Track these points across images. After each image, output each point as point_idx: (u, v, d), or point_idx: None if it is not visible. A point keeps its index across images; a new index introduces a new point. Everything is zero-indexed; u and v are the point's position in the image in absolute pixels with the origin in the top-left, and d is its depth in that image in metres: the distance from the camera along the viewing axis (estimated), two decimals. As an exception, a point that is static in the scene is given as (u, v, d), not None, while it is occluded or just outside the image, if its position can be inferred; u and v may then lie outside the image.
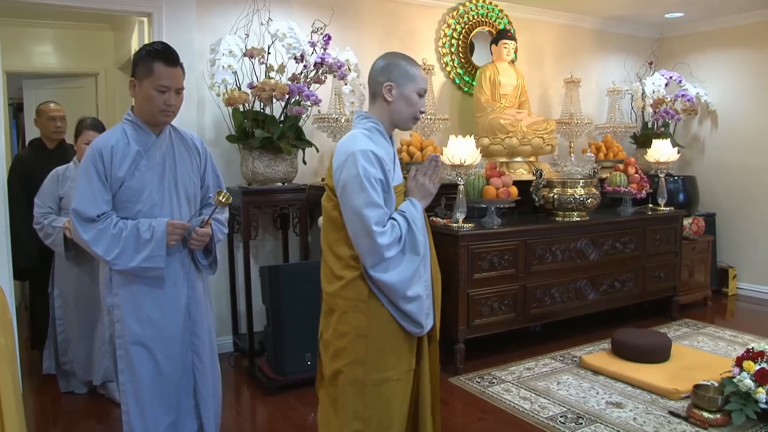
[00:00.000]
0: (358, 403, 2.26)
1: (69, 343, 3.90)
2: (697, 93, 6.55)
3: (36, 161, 4.30)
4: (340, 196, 2.21)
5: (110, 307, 2.57)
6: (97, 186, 2.45)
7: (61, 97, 6.25)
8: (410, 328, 2.28)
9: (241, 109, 4.23)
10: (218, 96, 4.24)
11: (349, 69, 4.49)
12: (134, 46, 4.94)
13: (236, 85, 4.21)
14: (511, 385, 4.06)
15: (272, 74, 4.24)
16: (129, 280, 2.53)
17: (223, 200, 2.62)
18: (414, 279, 2.23)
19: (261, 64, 4.27)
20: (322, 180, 2.49)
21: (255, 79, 4.32)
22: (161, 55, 2.49)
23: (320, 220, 4.34)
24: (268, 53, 4.30)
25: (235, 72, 4.20)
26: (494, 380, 4.15)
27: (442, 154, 4.49)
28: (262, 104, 4.22)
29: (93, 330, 3.81)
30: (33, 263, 4.28)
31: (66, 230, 3.57)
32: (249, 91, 4.17)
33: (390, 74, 2.30)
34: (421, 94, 2.36)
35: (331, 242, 2.31)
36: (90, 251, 2.48)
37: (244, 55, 4.22)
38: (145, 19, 4.37)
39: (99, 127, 3.72)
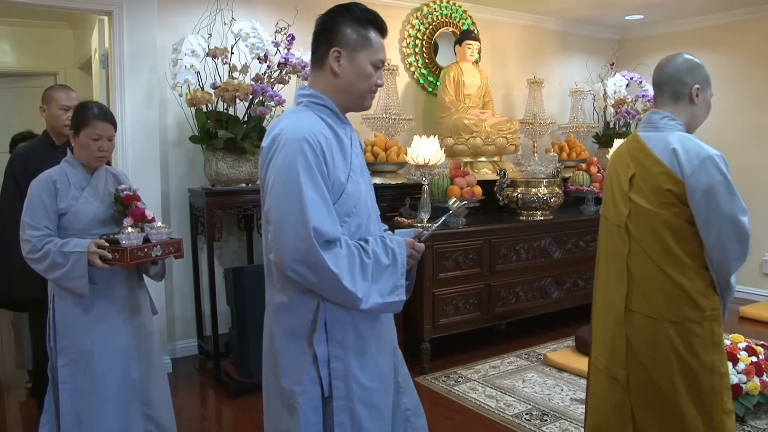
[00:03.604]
0: (727, 402, 2.22)
1: (81, 418, 2.66)
2: (657, 93, 6.66)
3: (40, 159, 3.25)
4: (698, 201, 2.12)
5: (323, 360, 1.82)
6: (327, 195, 1.77)
7: (19, 97, 6.14)
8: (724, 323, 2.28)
9: (205, 109, 4.19)
10: (181, 96, 4.19)
11: (314, 69, 4.47)
12: (95, 46, 4.86)
13: (199, 85, 4.17)
14: (477, 384, 4.08)
15: (236, 74, 4.21)
16: (352, 319, 1.85)
17: (463, 207, 2.19)
18: None
19: (224, 64, 4.24)
20: (630, 179, 2.35)
21: (218, 80, 4.28)
22: (377, 23, 1.91)
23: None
24: (232, 53, 4.27)
25: (198, 72, 4.15)
26: (460, 379, 4.18)
27: (406, 154, 4.51)
28: (225, 105, 4.18)
29: (131, 394, 2.74)
30: (37, 292, 3.10)
31: (94, 256, 2.52)
32: (212, 91, 4.14)
33: (698, 77, 2.29)
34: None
35: (675, 252, 2.18)
36: (331, 288, 1.76)
37: (207, 55, 4.19)
38: (106, 18, 4.29)
39: (110, 118, 2.74)
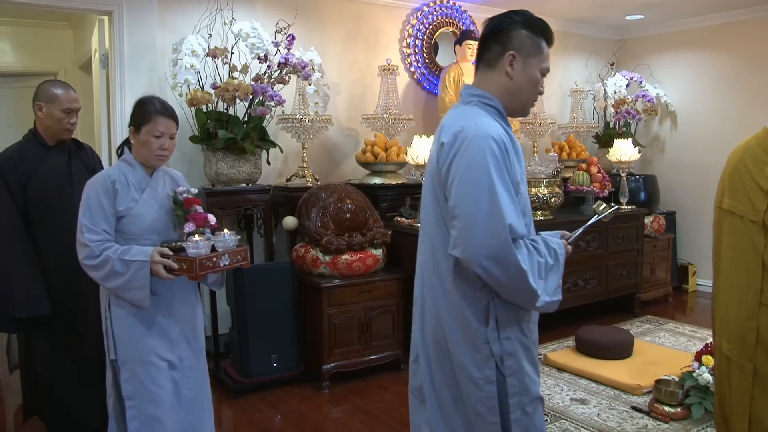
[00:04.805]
0: None
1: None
2: (657, 93, 6.68)
3: (33, 161, 3.02)
4: None
5: (500, 357, 1.85)
6: (514, 193, 1.80)
7: (19, 98, 6.14)
8: None
9: (205, 109, 4.19)
10: (181, 96, 4.19)
11: (313, 69, 4.48)
12: (95, 46, 4.85)
13: (199, 85, 4.17)
14: (477, 384, 4.08)
15: (236, 74, 4.21)
16: (516, 316, 1.88)
17: (612, 212, 2.21)
18: None
19: (224, 64, 4.23)
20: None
21: (218, 80, 4.28)
22: (547, 33, 1.94)
23: (285, 220, 4.33)
24: (232, 53, 4.27)
25: (198, 72, 4.15)
26: (460, 379, 4.17)
27: (406, 154, 4.50)
28: (225, 105, 4.18)
29: (183, 413, 2.68)
30: (37, 309, 2.93)
31: (158, 266, 2.35)
32: (212, 91, 4.14)
33: None
34: None
35: None
36: (516, 285, 1.79)
37: (207, 55, 4.19)
38: (106, 18, 4.29)
39: (173, 114, 2.56)
